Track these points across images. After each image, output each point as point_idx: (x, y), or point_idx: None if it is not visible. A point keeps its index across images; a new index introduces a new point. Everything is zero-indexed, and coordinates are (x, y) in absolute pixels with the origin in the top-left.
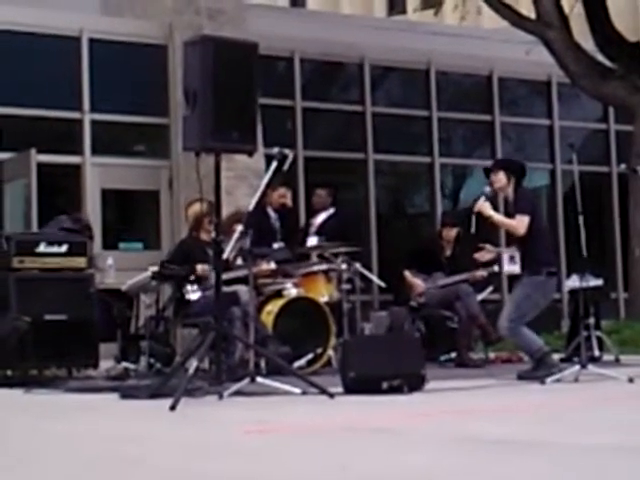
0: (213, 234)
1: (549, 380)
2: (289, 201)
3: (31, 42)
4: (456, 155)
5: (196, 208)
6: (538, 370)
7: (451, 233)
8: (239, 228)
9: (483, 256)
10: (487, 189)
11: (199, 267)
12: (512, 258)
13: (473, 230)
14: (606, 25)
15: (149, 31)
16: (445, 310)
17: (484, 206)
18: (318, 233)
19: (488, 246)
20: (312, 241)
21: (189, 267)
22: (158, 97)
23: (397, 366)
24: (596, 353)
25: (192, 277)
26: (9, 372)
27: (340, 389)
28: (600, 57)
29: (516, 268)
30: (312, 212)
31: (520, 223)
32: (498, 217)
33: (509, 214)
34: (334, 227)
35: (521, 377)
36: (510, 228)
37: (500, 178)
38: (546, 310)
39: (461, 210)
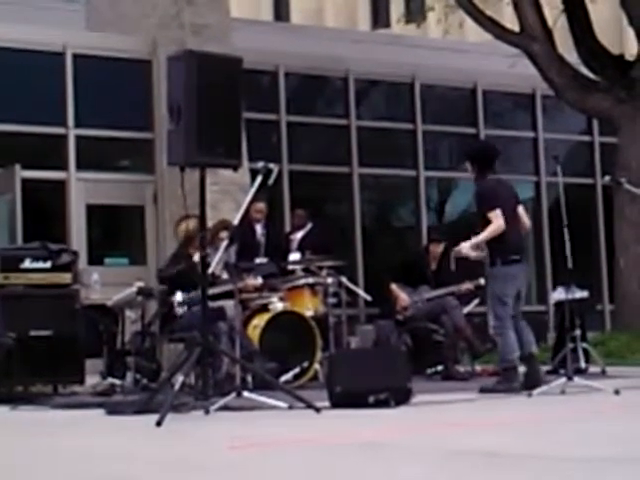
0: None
1: (535, 392)
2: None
3: (15, 58)
4: (441, 168)
5: (187, 225)
6: (499, 383)
7: (438, 249)
8: (224, 234)
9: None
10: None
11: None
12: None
13: (453, 267)
14: (590, 38)
15: (133, 46)
16: (431, 323)
17: (462, 248)
18: (299, 249)
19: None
20: (294, 257)
21: (187, 266)
22: (142, 112)
23: (384, 380)
24: (582, 365)
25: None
26: None
27: (327, 403)
28: (584, 70)
29: (481, 253)
30: (291, 229)
31: (496, 220)
32: (476, 240)
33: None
34: (314, 241)
35: (483, 390)
36: (494, 233)
37: (467, 167)
38: (532, 322)
39: (447, 224)
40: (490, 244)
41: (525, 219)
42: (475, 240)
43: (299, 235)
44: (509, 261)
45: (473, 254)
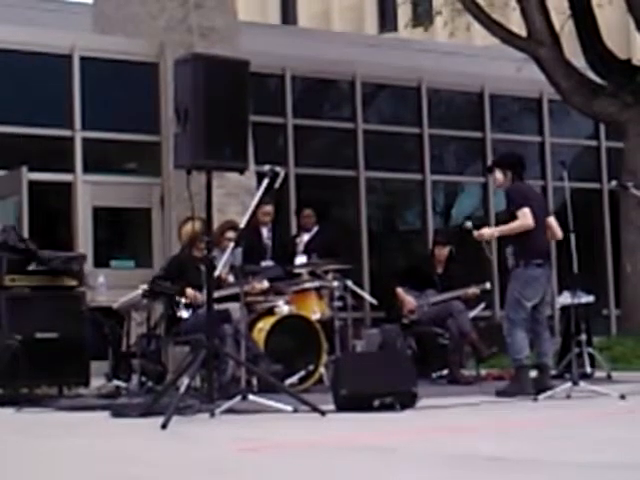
0: (205, 252)
1: (541, 397)
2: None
3: (23, 60)
4: (448, 172)
5: (191, 227)
6: (511, 385)
7: (443, 252)
8: (231, 234)
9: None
10: (469, 224)
11: (189, 292)
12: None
13: (491, 256)
14: (597, 42)
15: (140, 49)
16: (437, 327)
17: (485, 232)
18: (306, 251)
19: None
20: (301, 259)
21: (180, 288)
22: (149, 115)
23: (389, 383)
24: (588, 370)
25: (182, 299)
26: (0, 390)
27: (332, 407)
28: (591, 74)
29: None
30: (298, 231)
31: (524, 218)
32: (501, 228)
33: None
34: (321, 244)
35: (499, 393)
36: (520, 229)
37: (497, 177)
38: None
39: (453, 227)
40: (515, 246)
41: (558, 229)
42: (500, 229)
43: (306, 238)
44: (532, 264)
45: (492, 234)
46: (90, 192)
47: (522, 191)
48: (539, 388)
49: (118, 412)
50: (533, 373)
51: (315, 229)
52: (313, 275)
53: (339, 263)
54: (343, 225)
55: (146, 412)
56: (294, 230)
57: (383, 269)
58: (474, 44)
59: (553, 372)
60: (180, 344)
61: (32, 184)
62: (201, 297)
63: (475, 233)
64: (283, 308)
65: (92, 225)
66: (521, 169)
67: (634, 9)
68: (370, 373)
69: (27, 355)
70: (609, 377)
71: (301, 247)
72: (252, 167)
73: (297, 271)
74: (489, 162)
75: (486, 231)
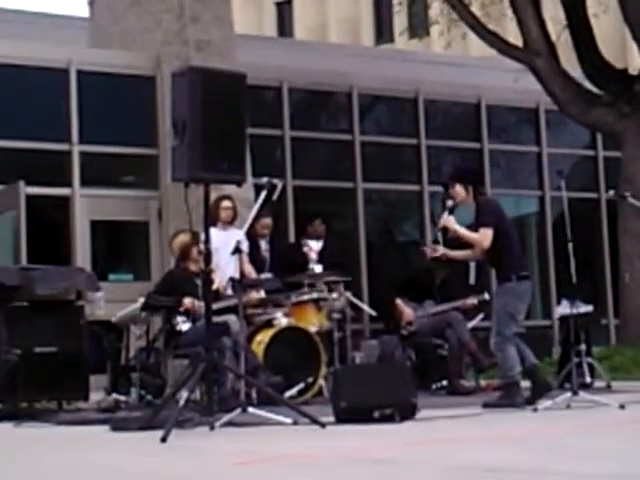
0: (202, 264)
1: (541, 407)
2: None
3: (19, 74)
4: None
5: (181, 239)
6: (502, 398)
7: (440, 274)
8: (226, 203)
9: (433, 251)
10: (450, 202)
11: (186, 300)
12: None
13: (441, 245)
14: (593, 52)
15: (137, 62)
16: (436, 338)
17: (449, 221)
18: (320, 261)
19: (439, 247)
20: (317, 268)
21: (176, 299)
22: (147, 128)
23: (388, 395)
24: (587, 380)
25: (180, 310)
26: None
27: (331, 418)
28: (587, 84)
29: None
30: (299, 240)
31: (483, 237)
32: (462, 231)
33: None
34: (330, 255)
35: (486, 405)
36: (474, 242)
37: (458, 191)
38: (537, 337)
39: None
40: (502, 259)
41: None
42: (461, 229)
43: (317, 246)
44: (522, 277)
45: (453, 227)
46: (88, 206)
47: (493, 209)
48: (543, 389)
49: (117, 426)
50: (526, 383)
51: (324, 239)
52: (312, 287)
53: (339, 275)
54: (341, 237)
55: (145, 425)
56: (292, 241)
57: (382, 280)
58: (470, 55)
59: (553, 382)
60: (179, 357)
61: (30, 198)
62: (198, 304)
63: (444, 217)
64: (282, 320)
65: (90, 239)
66: (480, 183)
67: (630, 19)
68: (369, 385)
69: (26, 369)
70: (609, 387)
71: (313, 255)
72: (250, 179)
73: (305, 281)
74: (447, 177)
75: (452, 222)
